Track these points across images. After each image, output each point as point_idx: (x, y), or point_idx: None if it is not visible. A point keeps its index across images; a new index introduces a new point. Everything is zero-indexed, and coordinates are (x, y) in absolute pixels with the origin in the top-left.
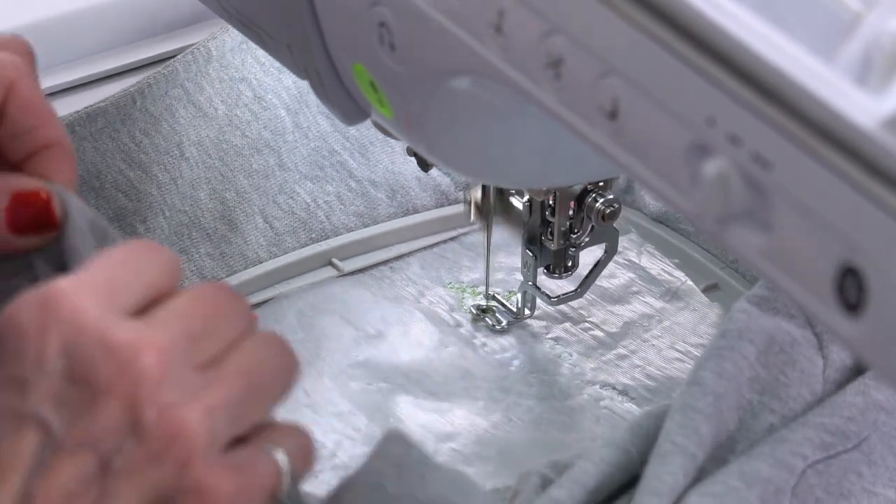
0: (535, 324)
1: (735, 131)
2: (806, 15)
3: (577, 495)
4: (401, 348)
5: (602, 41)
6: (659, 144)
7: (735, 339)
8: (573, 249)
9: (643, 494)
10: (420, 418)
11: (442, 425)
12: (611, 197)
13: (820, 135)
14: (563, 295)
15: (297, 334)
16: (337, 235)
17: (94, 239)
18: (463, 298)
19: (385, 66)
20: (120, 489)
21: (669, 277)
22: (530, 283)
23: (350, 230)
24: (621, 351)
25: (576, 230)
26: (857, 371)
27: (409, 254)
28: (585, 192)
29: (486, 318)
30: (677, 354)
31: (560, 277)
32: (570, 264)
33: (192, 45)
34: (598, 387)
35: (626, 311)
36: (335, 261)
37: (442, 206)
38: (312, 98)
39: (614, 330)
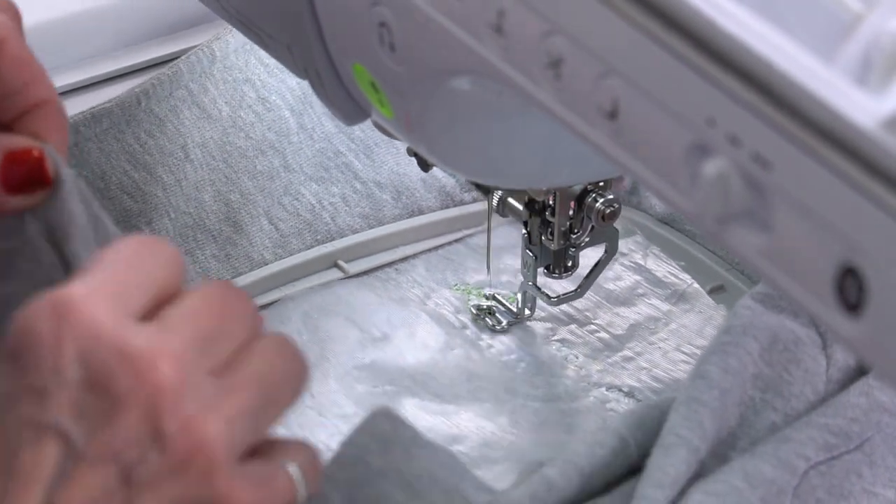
0: (541, 326)
1: (735, 131)
2: (806, 15)
3: (570, 474)
4: (406, 350)
5: (602, 41)
6: (659, 144)
7: (739, 335)
8: (573, 249)
9: (647, 486)
10: (426, 421)
11: (448, 428)
12: (611, 197)
13: (820, 135)
14: (564, 295)
15: (303, 336)
16: (342, 237)
17: (82, 203)
18: (468, 300)
19: (385, 67)
20: (142, 500)
21: (675, 279)
22: (530, 283)
23: (355, 232)
24: (627, 353)
25: (576, 230)
26: (860, 371)
27: (415, 255)
28: (585, 192)
29: (486, 318)
30: (683, 356)
31: (560, 277)
32: (570, 264)
33: (197, 46)
34: (604, 389)
35: (632, 314)
36: (340, 262)
37: (447, 207)
38: (317, 99)
39: (620, 332)
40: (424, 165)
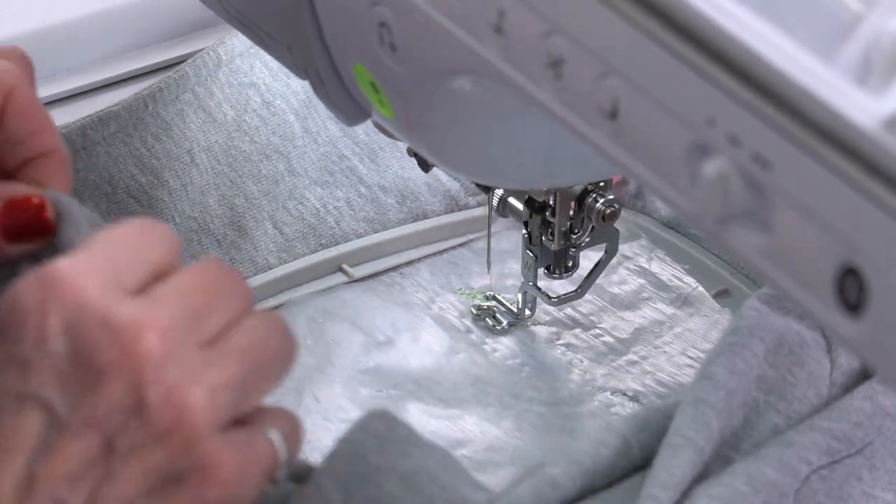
0: (546, 330)
1: (735, 131)
2: (806, 15)
3: (573, 472)
4: (411, 355)
5: (602, 41)
6: (659, 144)
7: (746, 336)
8: (573, 250)
9: (653, 486)
10: (431, 425)
11: (453, 432)
12: (611, 197)
13: (820, 135)
14: (564, 295)
15: (307, 340)
16: (347, 241)
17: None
18: (472, 303)
19: (385, 67)
20: (125, 469)
21: (680, 283)
22: (531, 283)
23: (360, 236)
24: (632, 357)
25: (576, 230)
26: (864, 375)
27: (419, 260)
28: (586, 193)
29: (487, 319)
30: (688, 360)
31: (560, 278)
32: (570, 265)
33: (203, 49)
34: (608, 393)
35: (637, 318)
36: (345, 267)
37: (452, 211)
38: (321, 103)
39: (625, 336)
40: (425, 166)
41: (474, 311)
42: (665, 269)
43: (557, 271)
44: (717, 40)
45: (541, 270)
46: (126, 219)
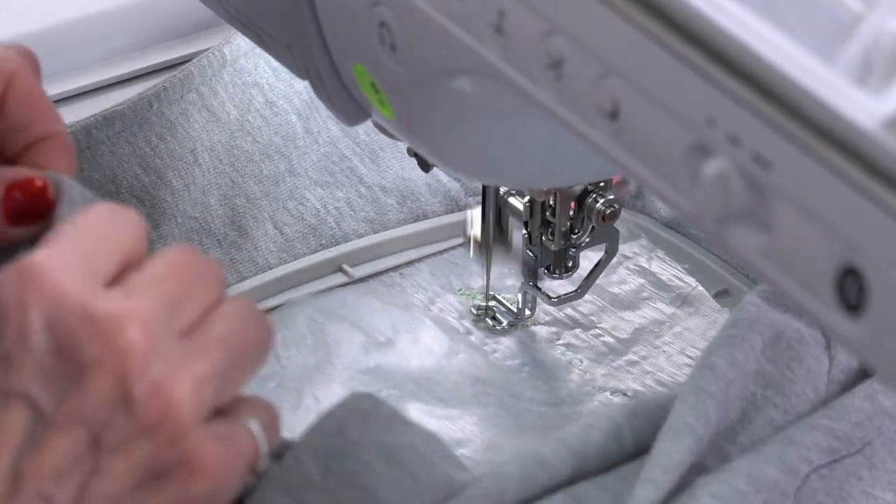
0: (546, 330)
1: (735, 131)
2: (806, 15)
3: (562, 454)
4: (411, 355)
5: (602, 41)
6: (659, 145)
7: (746, 329)
8: (573, 250)
9: (653, 467)
10: (430, 425)
11: (452, 432)
12: (611, 197)
13: (820, 135)
14: (564, 295)
15: (307, 341)
16: (347, 241)
17: None
18: (473, 304)
19: (386, 67)
20: (111, 464)
21: (680, 283)
22: (531, 283)
23: (360, 236)
24: (632, 357)
25: (576, 230)
26: (863, 373)
27: (420, 260)
28: (586, 193)
29: (487, 319)
30: (688, 360)
31: (560, 278)
32: (570, 265)
33: (208, 49)
34: (608, 393)
35: (637, 317)
36: (345, 267)
37: (452, 212)
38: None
39: (625, 336)
40: (425, 165)
41: (474, 311)
42: (665, 269)
43: (557, 271)
44: (718, 40)
45: (541, 270)
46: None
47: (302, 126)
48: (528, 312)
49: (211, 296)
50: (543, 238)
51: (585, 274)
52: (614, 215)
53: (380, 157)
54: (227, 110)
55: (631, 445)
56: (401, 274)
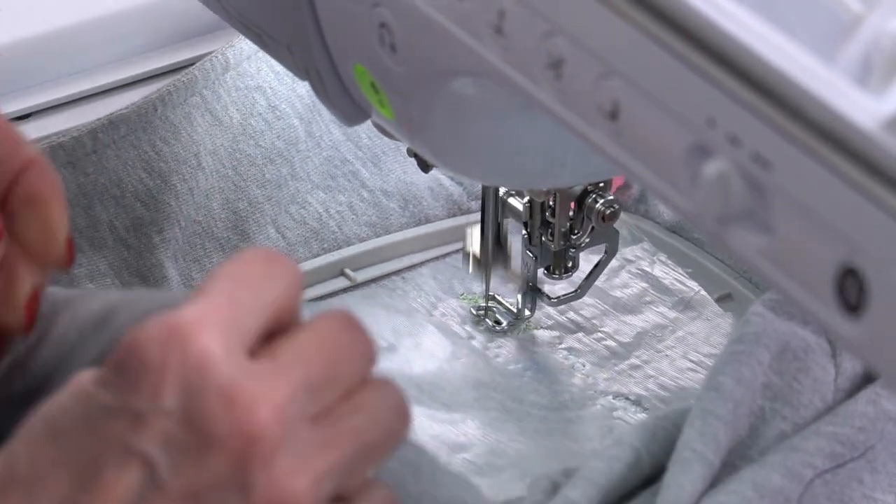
0: (548, 334)
1: (735, 132)
2: (806, 15)
3: (590, 494)
4: (413, 359)
5: (602, 42)
6: (659, 145)
7: (752, 344)
8: (573, 250)
9: (664, 502)
10: (433, 429)
11: (455, 436)
12: (611, 198)
13: (820, 135)
14: (564, 295)
15: None
16: (349, 245)
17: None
18: (472, 305)
19: (386, 67)
20: None
21: (683, 287)
22: (530, 283)
23: (362, 240)
24: (634, 361)
25: (576, 231)
26: (867, 379)
27: (422, 264)
28: (585, 193)
29: (487, 319)
30: (690, 364)
31: (560, 278)
32: (570, 265)
33: (211, 52)
34: (610, 397)
35: (639, 321)
36: (347, 271)
37: (454, 215)
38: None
39: (627, 340)
40: (424, 166)
41: (474, 312)
42: (667, 273)
43: (557, 272)
44: (718, 41)
45: (540, 271)
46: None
47: (304, 130)
48: (527, 313)
49: (356, 377)
50: (543, 238)
51: (585, 275)
52: (614, 216)
53: (382, 161)
54: (230, 114)
55: (649, 469)
56: (403, 278)
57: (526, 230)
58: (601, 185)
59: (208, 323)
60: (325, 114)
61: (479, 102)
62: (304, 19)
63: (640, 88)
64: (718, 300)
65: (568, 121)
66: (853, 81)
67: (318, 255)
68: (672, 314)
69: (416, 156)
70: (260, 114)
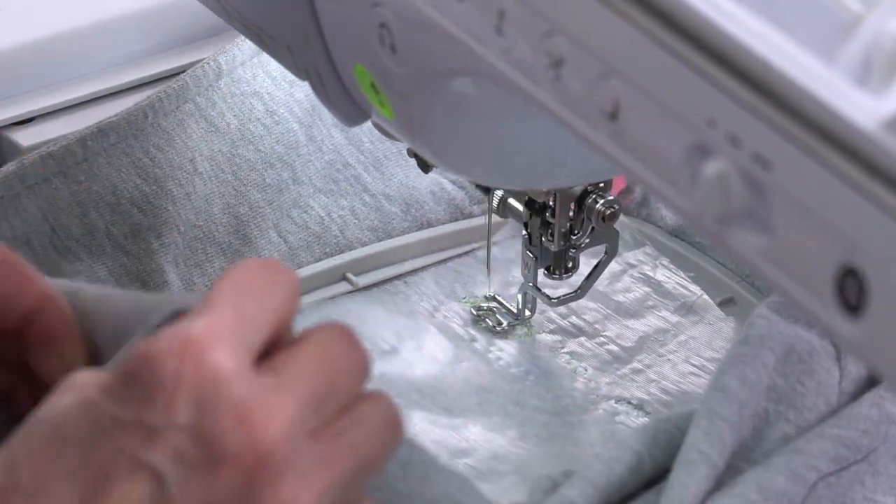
0: (550, 338)
1: (735, 132)
2: (806, 15)
3: (589, 493)
4: (415, 363)
5: (602, 42)
6: (659, 145)
7: (757, 346)
8: (573, 251)
9: (668, 502)
10: (434, 434)
11: (457, 441)
12: (611, 198)
13: (820, 135)
14: (564, 296)
15: None
16: (351, 250)
17: None
18: (473, 306)
19: (386, 68)
20: None
21: (685, 291)
22: (531, 284)
23: (364, 244)
24: (636, 365)
25: (576, 231)
26: (871, 382)
27: (424, 268)
28: (585, 194)
29: (487, 320)
30: (692, 369)
31: (560, 279)
32: (570, 266)
33: (203, 59)
34: (613, 401)
35: (642, 326)
36: (349, 275)
37: (457, 220)
38: (325, 111)
39: (629, 344)
40: (424, 166)
41: (474, 313)
42: (670, 278)
43: (557, 272)
44: (717, 41)
45: (540, 271)
46: (129, 228)
47: (304, 134)
48: (528, 313)
49: (353, 390)
50: (543, 239)
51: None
52: (614, 216)
53: (384, 165)
54: (227, 120)
55: (650, 471)
56: (405, 282)
57: (526, 230)
58: (601, 185)
59: (220, 337)
60: (326, 118)
61: (479, 102)
62: (304, 20)
63: (640, 88)
64: (721, 304)
65: (568, 121)
66: (853, 81)
67: (320, 259)
68: (674, 318)
69: (416, 156)
70: (258, 119)
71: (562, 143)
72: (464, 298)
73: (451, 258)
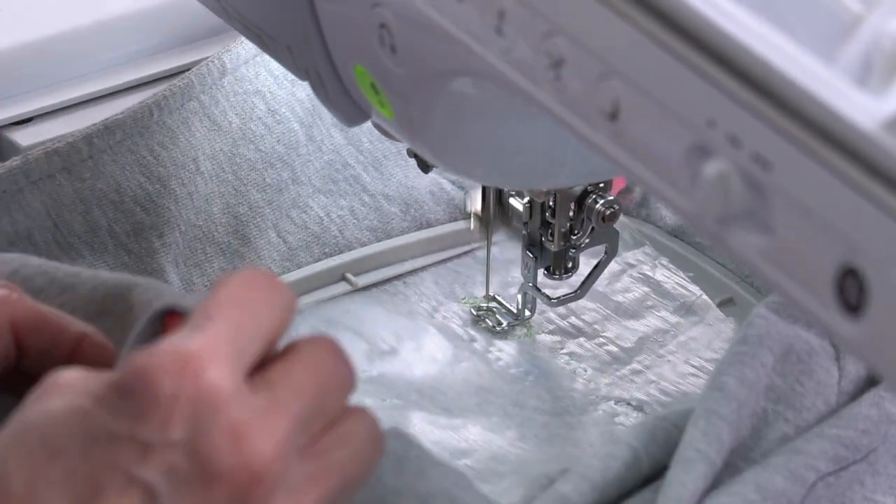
0: (549, 339)
1: (735, 132)
2: (806, 16)
3: (583, 489)
4: (414, 364)
5: (602, 42)
6: (659, 145)
7: (756, 346)
8: (573, 251)
9: (666, 500)
10: (434, 434)
11: (456, 441)
12: (611, 198)
13: (820, 136)
14: (564, 296)
15: None
16: (350, 250)
17: None
18: (472, 306)
19: (386, 68)
20: None
21: (684, 292)
22: (530, 284)
23: (363, 245)
24: (636, 366)
25: (576, 231)
26: (870, 382)
27: (423, 268)
28: (585, 194)
29: (487, 320)
30: (692, 370)
31: (560, 279)
32: (570, 266)
33: (208, 57)
34: (612, 402)
35: (641, 326)
36: (349, 275)
37: (456, 220)
38: (326, 111)
39: (629, 345)
40: (424, 166)
41: (474, 313)
42: (669, 278)
43: (557, 273)
44: (717, 41)
45: (540, 272)
46: (131, 227)
47: (304, 134)
48: (527, 313)
49: (341, 404)
50: (543, 239)
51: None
52: (614, 216)
53: (383, 166)
54: (229, 119)
55: (647, 469)
56: (404, 282)
57: (526, 231)
58: (601, 185)
59: (218, 355)
60: (326, 118)
61: (479, 102)
62: (304, 20)
63: (640, 89)
64: (720, 305)
65: (568, 121)
66: (853, 81)
67: (320, 259)
68: (674, 319)
69: (415, 156)
70: (259, 118)
71: (562, 144)
72: (463, 299)
73: (450, 258)
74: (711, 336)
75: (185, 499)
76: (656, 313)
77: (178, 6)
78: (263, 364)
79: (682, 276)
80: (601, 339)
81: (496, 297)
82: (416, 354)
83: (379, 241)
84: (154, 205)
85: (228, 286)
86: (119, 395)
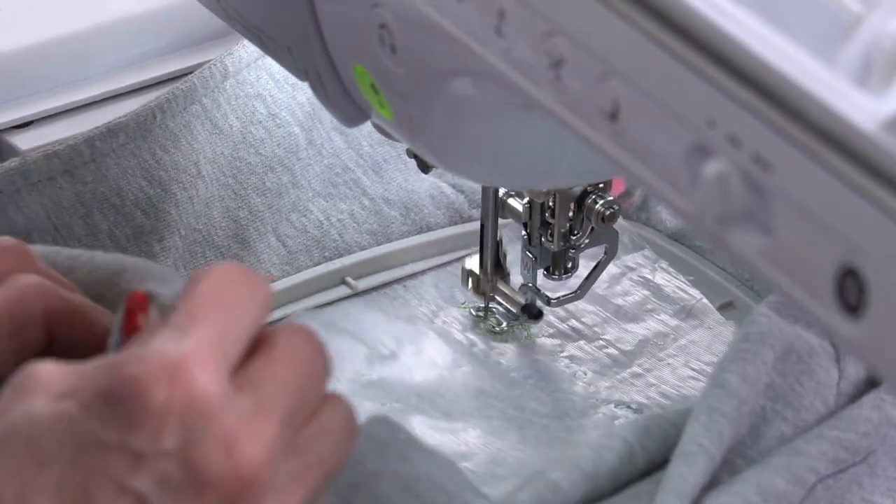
0: (549, 342)
1: (735, 132)
2: (806, 16)
3: (574, 477)
4: (414, 368)
5: (602, 42)
6: (659, 146)
7: (757, 344)
8: (573, 251)
9: (666, 493)
10: (434, 438)
11: (456, 445)
12: (610, 198)
13: (820, 136)
14: (563, 296)
15: None
16: (350, 254)
17: None
18: (472, 307)
19: (386, 68)
20: None
21: (684, 295)
22: (530, 284)
23: (363, 248)
24: (636, 369)
25: (576, 232)
26: (870, 384)
27: (423, 272)
28: (585, 194)
29: (487, 320)
30: (692, 373)
31: (560, 279)
32: (569, 266)
33: (210, 60)
34: (612, 405)
35: (641, 329)
36: (348, 279)
37: (455, 223)
38: (326, 115)
39: (629, 348)
40: (424, 167)
41: (474, 313)
42: (669, 281)
43: (557, 273)
44: (717, 41)
45: (540, 272)
46: (132, 231)
47: (305, 138)
48: (538, 304)
49: (320, 394)
50: (543, 239)
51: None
52: (614, 216)
53: (383, 169)
54: (230, 122)
55: (643, 464)
56: (404, 286)
57: (525, 231)
58: (601, 185)
59: (206, 360)
60: (327, 121)
61: (479, 102)
62: (303, 20)
63: (640, 89)
64: (720, 308)
65: (568, 121)
66: (853, 82)
67: (319, 263)
68: (673, 322)
69: (415, 156)
70: (260, 122)
71: (562, 144)
72: (463, 303)
73: (450, 262)
74: (711, 339)
75: None
76: (656, 317)
77: (179, 9)
78: (243, 358)
79: (683, 279)
80: (601, 343)
81: (496, 297)
82: (416, 358)
83: (379, 244)
84: (155, 209)
85: (209, 281)
86: (108, 403)
